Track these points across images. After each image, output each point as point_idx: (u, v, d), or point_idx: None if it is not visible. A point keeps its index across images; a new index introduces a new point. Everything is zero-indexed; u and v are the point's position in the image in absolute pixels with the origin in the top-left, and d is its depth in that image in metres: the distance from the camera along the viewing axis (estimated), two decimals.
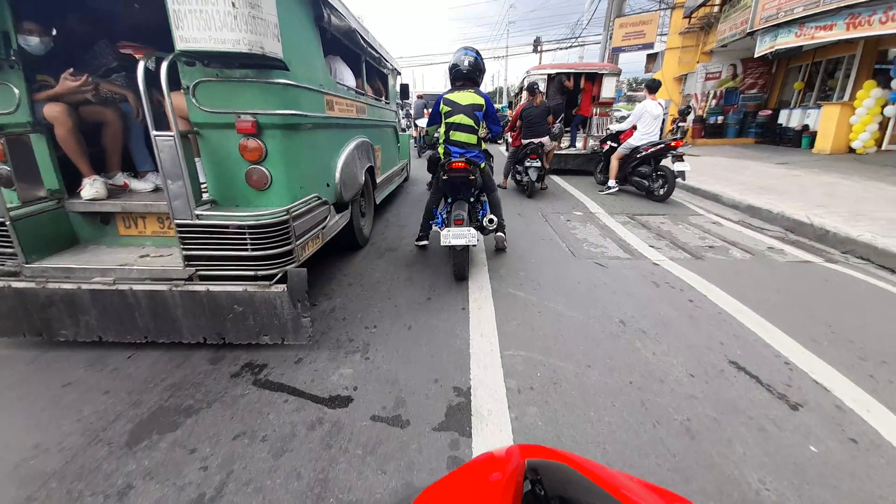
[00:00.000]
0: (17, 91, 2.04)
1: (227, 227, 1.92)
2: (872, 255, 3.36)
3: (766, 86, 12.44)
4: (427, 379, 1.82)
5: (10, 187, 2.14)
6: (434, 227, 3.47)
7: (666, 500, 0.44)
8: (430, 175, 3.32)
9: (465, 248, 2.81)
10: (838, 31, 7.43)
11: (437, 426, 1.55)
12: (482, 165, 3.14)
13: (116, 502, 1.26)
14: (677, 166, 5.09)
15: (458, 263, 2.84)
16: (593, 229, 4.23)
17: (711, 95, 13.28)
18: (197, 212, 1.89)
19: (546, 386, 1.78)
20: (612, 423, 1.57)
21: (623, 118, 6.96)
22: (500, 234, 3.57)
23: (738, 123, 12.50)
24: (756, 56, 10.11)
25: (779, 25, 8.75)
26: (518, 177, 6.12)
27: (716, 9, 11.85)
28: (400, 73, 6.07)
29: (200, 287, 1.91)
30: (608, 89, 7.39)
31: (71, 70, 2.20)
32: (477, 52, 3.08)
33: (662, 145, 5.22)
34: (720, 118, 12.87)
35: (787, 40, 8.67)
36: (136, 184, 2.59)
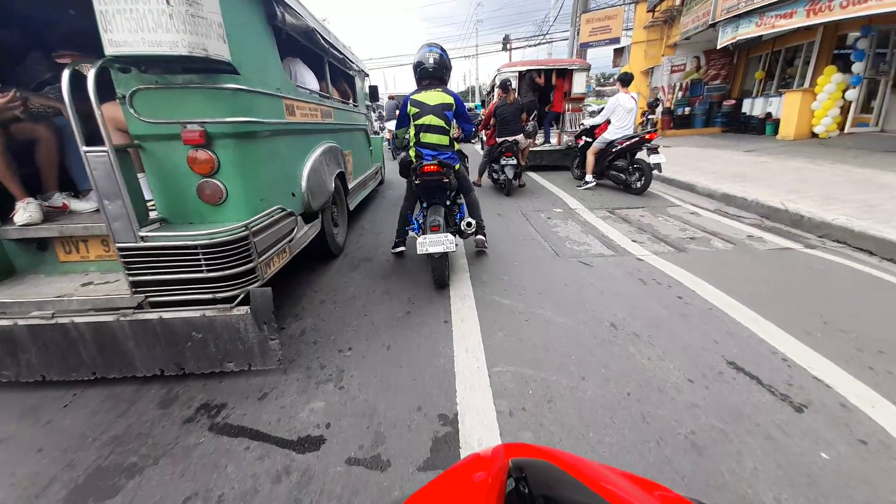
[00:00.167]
0: None
1: (176, 248, 1.74)
2: (849, 238, 3.38)
3: (729, 76, 12.78)
4: (409, 407, 1.64)
5: None
6: (410, 233, 3.31)
7: (647, 490, 0.45)
8: (404, 179, 3.14)
9: (444, 255, 2.65)
10: (798, 19, 7.63)
11: (423, 465, 1.38)
12: (456, 167, 2.98)
13: None
14: (653, 158, 5.07)
15: (438, 271, 2.67)
16: (575, 226, 4.13)
17: (678, 87, 13.57)
18: (141, 233, 1.72)
19: (539, 405, 1.63)
20: (613, 445, 1.43)
21: (593, 113, 6.95)
22: (479, 236, 3.42)
23: (704, 114, 12.80)
24: (718, 47, 10.35)
25: (740, 16, 8.96)
26: (495, 175, 6.04)
27: (678, 2, 12.09)
28: (367, 75, 5.87)
29: (152, 315, 1.74)
30: (579, 85, 7.39)
31: None
32: (441, 49, 2.90)
33: (637, 138, 5.19)
34: (687, 109, 13.15)
35: (748, 30, 8.89)
36: (76, 204, 2.35)
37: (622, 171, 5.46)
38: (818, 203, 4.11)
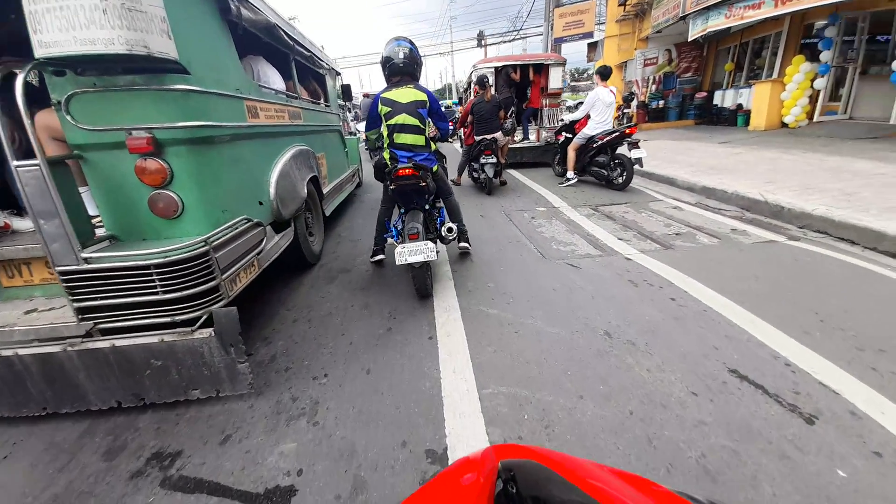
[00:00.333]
0: None
1: (125, 269, 1.57)
2: (830, 228, 3.38)
3: (700, 69, 13.02)
4: (392, 443, 1.47)
5: None
6: (389, 240, 3.12)
7: (635, 485, 0.45)
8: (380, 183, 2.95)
9: (425, 264, 2.48)
10: (767, 9, 7.75)
11: None
12: (434, 169, 2.81)
13: None
14: (634, 153, 5.01)
15: (419, 281, 2.50)
16: (559, 225, 4.02)
17: (651, 81, 13.74)
18: (84, 254, 1.55)
19: (536, 432, 1.49)
20: None
21: (570, 108, 6.89)
22: (462, 243, 3.27)
23: (677, 107, 12.98)
24: (689, 40, 10.49)
25: (709, 8, 9.07)
26: (475, 174, 5.91)
27: None
28: (339, 74, 5.63)
29: (103, 343, 1.59)
30: (555, 80, 7.31)
31: None
32: (411, 42, 2.71)
33: (617, 133, 5.13)
34: (661, 102, 13.33)
35: (717, 22, 9.01)
36: (19, 223, 2.13)
37: (604, 166, 5.40)
38: (796, 193, 4.12)
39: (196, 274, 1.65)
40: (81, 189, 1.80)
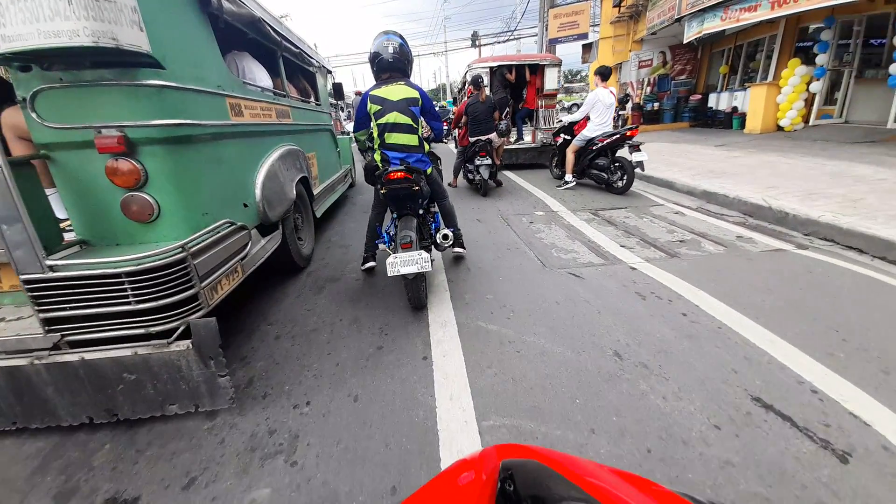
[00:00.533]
0: None
1: (94, 277, 1.47)
2: (837, 235, 3.26)
3: (694, 71, 13.00)
4: (381, 489, 1.29)
5: None
6: (381, 246, 2.94)
7: (637, 485, 0.44)
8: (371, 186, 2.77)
9: (419, 274, 2.31)
10: (763, 12, 7.68)
11: None
12: (428, 171, 2.64)
13: None
14: (635, 156, 4.88)
15: (413, 292, 2.34)
16: (559, 231, 3.87)
17: (646, 83, 13.69)
18: (50, 262, 1.47)
19: None
20: None
21: (565, 109, 6.76)
22: (457, 248, 3.10)
23: (672, 109, 12.95)
24: (685, 42, 10.43)
25: (704, 10, 9.00)
26: (470, 176, 5.76)
27: None
28: (331, 72, 5.43)
29: (72, 357, 1.52)
30: (551, 80, 7.18)
31: None
32: (401, 37, 2.52)
33: (618, 135, 4.99)
34: (656, 104, 13.29)
35: (713, 24, 8.95)
36: None
37: (604, 169, 5.26)
38: (800, 199, 4.01)
39: (172, 282, 1.54)
40: (49, 191, 1.68)
